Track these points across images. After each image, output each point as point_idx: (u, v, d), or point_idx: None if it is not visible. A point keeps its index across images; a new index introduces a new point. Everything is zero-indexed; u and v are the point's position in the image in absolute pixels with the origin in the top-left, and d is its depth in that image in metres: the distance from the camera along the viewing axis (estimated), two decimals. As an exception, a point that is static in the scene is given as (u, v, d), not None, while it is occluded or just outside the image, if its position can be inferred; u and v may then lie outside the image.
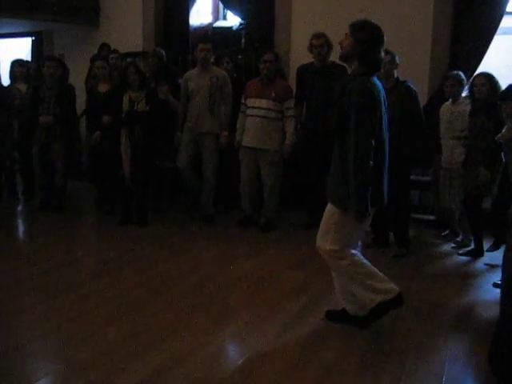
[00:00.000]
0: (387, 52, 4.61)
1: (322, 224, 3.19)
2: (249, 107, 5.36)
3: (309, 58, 5.39)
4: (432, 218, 5.76)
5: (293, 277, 4.19)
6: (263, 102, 5.27)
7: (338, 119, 2.99)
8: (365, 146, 2.89)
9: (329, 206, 3.15)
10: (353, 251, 3.15)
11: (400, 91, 4.57)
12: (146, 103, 5.33)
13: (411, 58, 5.62)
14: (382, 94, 3.03)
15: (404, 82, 4.66)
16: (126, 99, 5.35)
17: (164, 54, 6.25)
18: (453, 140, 4.88)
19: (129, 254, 4.70)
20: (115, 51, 6.69)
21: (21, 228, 5.57)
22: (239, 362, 2.89)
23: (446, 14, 5.96)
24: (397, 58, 4.62)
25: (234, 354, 3.10)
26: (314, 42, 5.17)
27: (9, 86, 6.47)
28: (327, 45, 5.16)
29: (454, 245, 5.07)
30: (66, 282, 4.00)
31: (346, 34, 3.03)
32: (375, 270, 3.15)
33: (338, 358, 2.93)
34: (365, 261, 3.16)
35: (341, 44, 3.06)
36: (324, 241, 3.14)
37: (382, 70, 4.52)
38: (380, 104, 2.97)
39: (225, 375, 2.76)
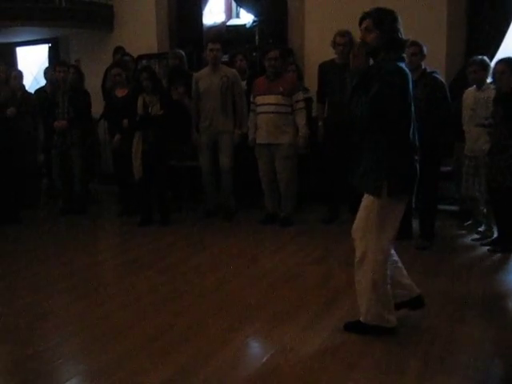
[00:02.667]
0: (414, 43, 4.56)
1: (360, 221, 3.05)
2: (258, 105, 5.37)
3: (323, 53, 5.38)
4: (454, 208, 5.69)
5: (314, 272, 4.18)
6: (272, 98, 5.28)
7: (373, 108, 2.88)
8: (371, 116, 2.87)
9: (364, 202, 3.04)
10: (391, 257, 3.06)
11: (426, 83, 4.52)
12: (161, 107, 5.37)
13: (427, 46, 5.54)
14: (411, 78, 2.99)
15: (431, 73, 4.58)
16: (140, 102, 5.41)
17: (184, 54, 6.28)
18: (477, 128, 4.75)
19: (151, 254, 4.75)
20: (125, 54, 6.75)
21: (44, 232, 5.64)
22: (264, 359, 2.89)
23: (460, 1, 5.88)
24: (424, 49, 4.55)
25: (258, 350, 3.10)
26: (338, 40, 5.14)
27: (39, 89, 6.67)
28: (350, 43, 5.11)
29: (476, 236, 4.99)
30: (91, 285, 4.05)
31: (366, 27, 2.98)
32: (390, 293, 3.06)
33: (361, 353, 2.91)
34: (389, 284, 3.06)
35: (363, 40, 3.00)
36: (366, 239, 2.99)
37: (407, 60, 4.53)
38: (409, 88, 2.95)
39: (249, 372, 2.76)
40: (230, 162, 5.64)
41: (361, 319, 3.10)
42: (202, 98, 5.61)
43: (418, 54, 4.52)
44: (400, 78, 2.89)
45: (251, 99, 5.48)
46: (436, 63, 5.52)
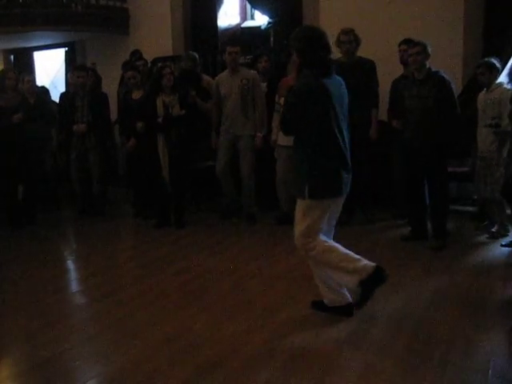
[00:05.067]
0: (417, 43, 4.55)
1: (296, 220, 3.31)
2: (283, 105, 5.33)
3: (338, 53, 5.34)
4: (472, 209, 5.64)
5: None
6: None
7: (284, 117, 3.22)
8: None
9: (297, 202, 3.32)
10: (323, 237, 3.26)
11: (433, 82, 4.51)
12: (181, 107, 5.38)
13: (443, 46, 5.51)
14: (334, 92, 3.15)
15: (436, 72, 4.57)
16: (159, 104, 5.39)
17: (197, 56, 6.31)
18: (486, 128, 4.77)
19: (168, 256, 4.77)
20: (141, 58, 6.79)
21: (61, 235, 5.70)
22: (283, 360, 2.88)
23: (477, 0, 5.82)
24: (428, 49, 4.52)
25: (275, 352, 3.08)
26: (342, 38, 5.13)
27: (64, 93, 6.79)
28: (355, 41, 5.13)
29: (488, 235, 4.94)
30: (107, 287, 4.08)
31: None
32: (346, 252, 3.26)
33: (379, 353, 2.90)
34: (335, 244, 3.29)
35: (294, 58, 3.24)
36: (298, 234, 3.28)
37: (410, 60, 4.53)
38: (323, 101, 3.09)
39: (266, 374, 2.76)
40: (250, 167, 5.64)
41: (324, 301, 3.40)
42: (223, 101, 5.62)
43: (422, 53, 4.50)
44: (308, 92, 3.09)
45: (276, 99, 5.45)
46: (453, 64, 5.50)
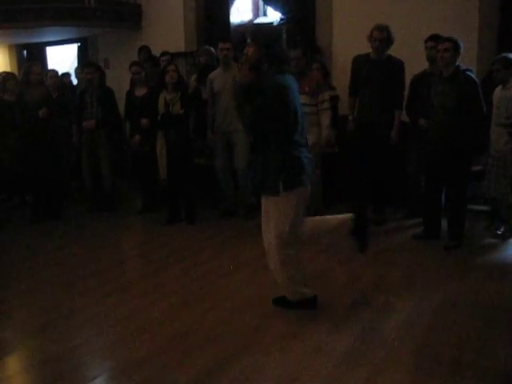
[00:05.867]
0: (447, 39, 4.46)
1: (274, 222, 3.32)
2: None
3: (351, 51, 5.30)
4: (484, 208, 5.58)
5: (340, 272, 4.14)
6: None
7: (255, 118, 3.22)
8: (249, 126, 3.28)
9: (264, 206, 3.38)
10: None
11: (457, 81, 4.43)
12: (181, 106, 5.36)
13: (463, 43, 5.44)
14: (293, 88, 3.28)
15: (464, 71, 4.48)
16: (161, 101, 5.39)
17: (214, 51, 6.29)
18: (499, 127, 4.67)
19: (177, 253, 4.76)
20: (166, 53, 6.77)
21: (71, 230, 5.71)
22: (292, 359, 2.87)
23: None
24: (459, 46, 4.41)
25: (283, 352, 3.07)
26: (374, 34, 4.98)
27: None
28: (388, 38, 4.98)
29: (493, 236, 4.87)
30: (116, 283, 4.08)
31: (248, 42, 3.32)
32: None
33: (389, 355, 2.88)
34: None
35: (246, 54, 3.27)
36: (276, 233, 3.29)
37: (438, 56, 4.47)
38: (287, 96, 3.19)
39: (278, 371, 2.75)
40: (246, 161, 5.62)
41: (286, 296, 3.47)
42: (216, 98, 5.62)
43: (451, 50, 4.40)
44: (276, 90, 3.17)
45: None
46: (467, 62, 5.42)
